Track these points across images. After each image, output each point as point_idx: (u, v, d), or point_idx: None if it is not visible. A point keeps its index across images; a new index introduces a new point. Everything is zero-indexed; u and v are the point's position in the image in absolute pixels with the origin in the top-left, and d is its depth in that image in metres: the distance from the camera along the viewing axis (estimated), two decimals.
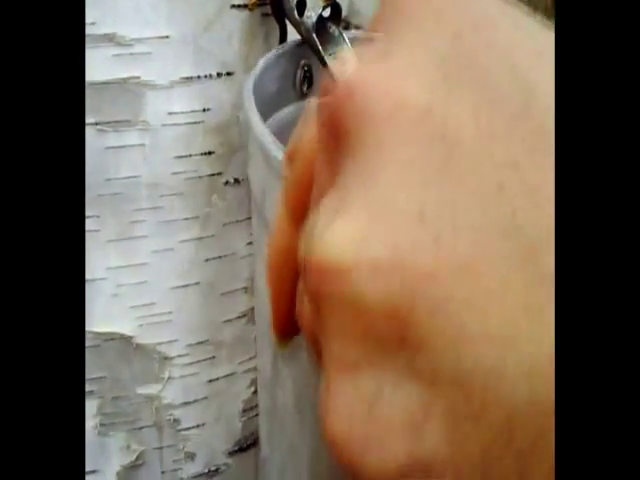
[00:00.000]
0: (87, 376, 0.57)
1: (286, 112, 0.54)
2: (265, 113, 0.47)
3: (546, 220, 0.14)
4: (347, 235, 0.15)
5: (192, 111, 0.57)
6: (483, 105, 0.15)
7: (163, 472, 0.61)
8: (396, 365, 0.15)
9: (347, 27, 0.98)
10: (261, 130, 0.44)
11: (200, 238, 0.59)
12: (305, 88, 0.55)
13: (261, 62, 0.53)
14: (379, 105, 0.16)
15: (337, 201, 0.16)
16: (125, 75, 0.56)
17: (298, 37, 0.56)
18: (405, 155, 0.15)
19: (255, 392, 0.62)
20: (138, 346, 0.59)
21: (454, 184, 0.15)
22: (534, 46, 0.16)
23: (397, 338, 0.15)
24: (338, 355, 0.16)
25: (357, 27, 0.97)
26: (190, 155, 0.58)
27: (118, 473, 0.60)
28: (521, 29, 0.17)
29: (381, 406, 0.15)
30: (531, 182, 0.14)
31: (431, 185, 0.15)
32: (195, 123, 0.58)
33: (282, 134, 0.49)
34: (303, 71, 0.55)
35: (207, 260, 0.59)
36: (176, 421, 0.61)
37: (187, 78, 0.57)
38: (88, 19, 0.53)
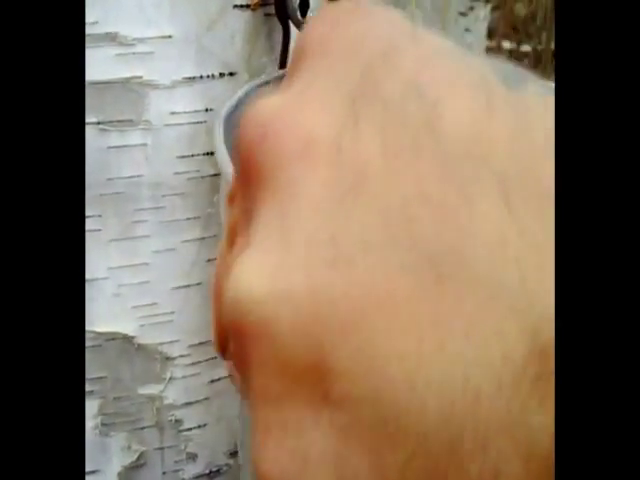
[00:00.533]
0: (88, 376, 0.57)
1: None
2: None
3: (457, 248, 0.14)
4: (257, 267, 0.15)
5: (195, 111, 0.57)
6: (389, 134, 0.15)
7: (164, 473, 0.61)
8: (314, 397, 0.15)
9: None
10: (227, 165, 0.44)
11: (202, 238, 0.59)
12: None
13: (240, 92, 0.52)
14: (289, 144, 0.16)
15: (249, 237, 0.16)
16: (127, 75, 0.55)
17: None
18: (316, 190, 0.15)
19: None
20: (140, 346, 0.59)
21: (365, 216, 0.15)
22: (443, 66, 0.16)
23: (313, 369, 0.14)
24: (260, 388, 0.15)
25: None
26: (192, 155, 0.58)
27: (119, 473, 0.60)
28: (431, 51, 0.17)
29: (306, 439, 0.15)
30: (440, 213, 0.14)
31: (342, 217, 0.15)
32: (197, 123, 0.58)
33: None
34: None
35: (209, 260, 0.59)
36: (178, 421, 0.61)
37: (190, 78, 0.57)
38: (90, 18, 0.53)
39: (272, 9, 0.57)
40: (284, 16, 0.57)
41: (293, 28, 0.57)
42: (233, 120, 0.47)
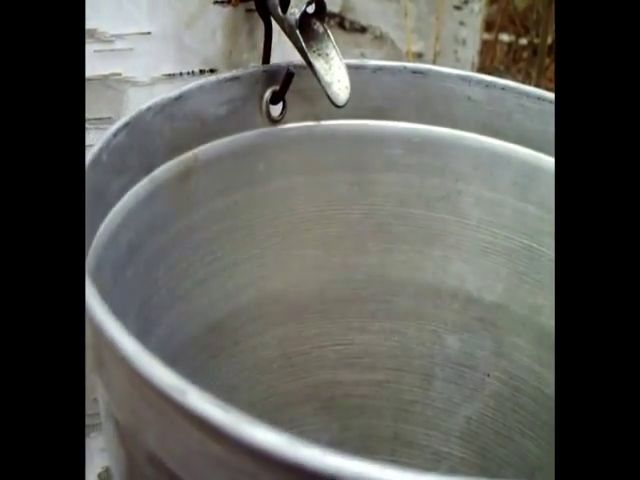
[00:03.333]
0: None
1: (248, 136, 0.52)
2: (203, 138, 0.45)
3: None
4: None
5: None
6: None
7: None
8: None
9: (342, 22, 0.97)
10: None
11: None
12: (278, 114, 0.53)
13: (192, 85, 0.49)
14: None
15: None
16: (106, 72, 0.55)
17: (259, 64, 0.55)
18: None
19: None
20: None
21: None
22: None
23: None
24: None
25: (352, 23, 0.96)
26: None
27: (99, 475, 0.59)
28: None
29: None
30: None
31: None
32: None
33: (239, 160, 0.46)
34: (273, 95, 0.53)
35: None
36: None
37: (169, 75, 0.56)
38: None
39: (253, 5, 0.56)
40: (265, 12, 0.56)
41: (275, 24, 0.56)
42: (175, 112, 0.44)
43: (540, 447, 0.51)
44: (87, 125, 0.55)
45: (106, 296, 0.29)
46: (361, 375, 0.57)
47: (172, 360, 0.39)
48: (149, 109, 0.37)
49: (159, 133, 0.41)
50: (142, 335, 0.38)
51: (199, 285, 0.47)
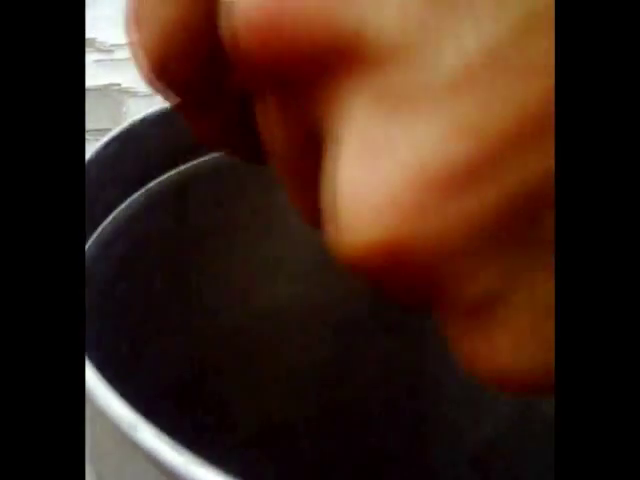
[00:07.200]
0: None
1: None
2: (202, 149, 0.43)
3: None
4: None
5: None
6: None
7: None
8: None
9: None
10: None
11: None
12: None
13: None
14: None
15: None
16: (106, 82, 0.54)
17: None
18: None
19: None
20: None
21: None
22: None
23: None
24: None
25: None
26: None
27: None
28: None
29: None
30: None
31: None
32: None
33: (238, 171, 0.44)
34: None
35: None
36: None
37: None
38: None
39: None
40: None
41: None
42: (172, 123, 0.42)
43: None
44: (86, 136, 0.54)
45: (95, 312, 0.28)
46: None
47: (174, 376, 0.38)
48: (143, 120, 0.36)
49: (154, 145, 0.40)
50: (136, 349, 0.37)
51: (197, 299, 0.46)
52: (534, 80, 0.10)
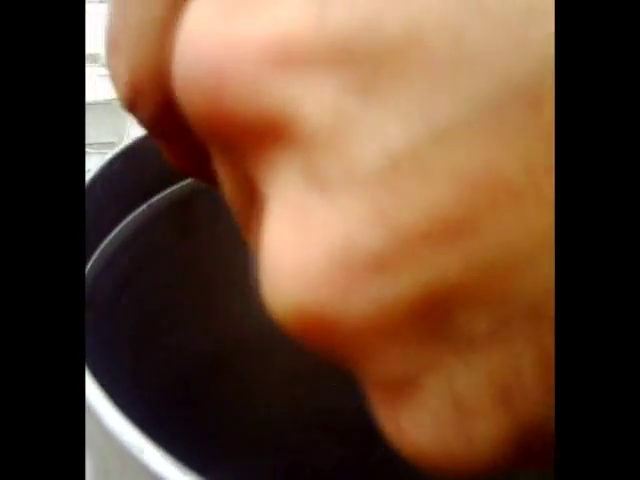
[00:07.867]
0: None
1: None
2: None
3: None
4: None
5: None
6: None
7: None
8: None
9: None
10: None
11: None
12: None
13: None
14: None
15: None
16: (109, 96, 0.55)
17: None
18: None
19: None
20: None
21: None
22: None
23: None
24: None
25: None
26: None
27: None
28: None
29: None
30: None
31: None
32: None
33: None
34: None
35: None
36: None
37: None
38: None
39: None
40: None
41: None
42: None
43: None
44: (89, 150, 0.55)
45: (98, 327, 0.29)
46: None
47: (175, 387, 0.38)
48: (145, 137, 0.37)
49: (156, 161, 0.41)
50: (138, 363, 0.38)
51: (203, 312, 0.46)
52: (450, 185, 0.10)
